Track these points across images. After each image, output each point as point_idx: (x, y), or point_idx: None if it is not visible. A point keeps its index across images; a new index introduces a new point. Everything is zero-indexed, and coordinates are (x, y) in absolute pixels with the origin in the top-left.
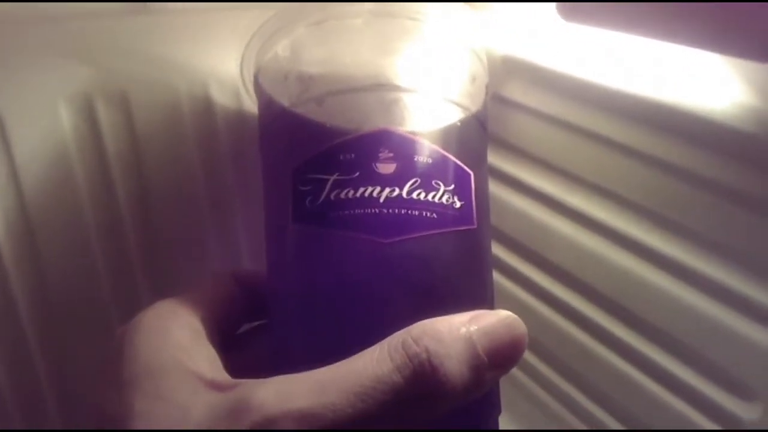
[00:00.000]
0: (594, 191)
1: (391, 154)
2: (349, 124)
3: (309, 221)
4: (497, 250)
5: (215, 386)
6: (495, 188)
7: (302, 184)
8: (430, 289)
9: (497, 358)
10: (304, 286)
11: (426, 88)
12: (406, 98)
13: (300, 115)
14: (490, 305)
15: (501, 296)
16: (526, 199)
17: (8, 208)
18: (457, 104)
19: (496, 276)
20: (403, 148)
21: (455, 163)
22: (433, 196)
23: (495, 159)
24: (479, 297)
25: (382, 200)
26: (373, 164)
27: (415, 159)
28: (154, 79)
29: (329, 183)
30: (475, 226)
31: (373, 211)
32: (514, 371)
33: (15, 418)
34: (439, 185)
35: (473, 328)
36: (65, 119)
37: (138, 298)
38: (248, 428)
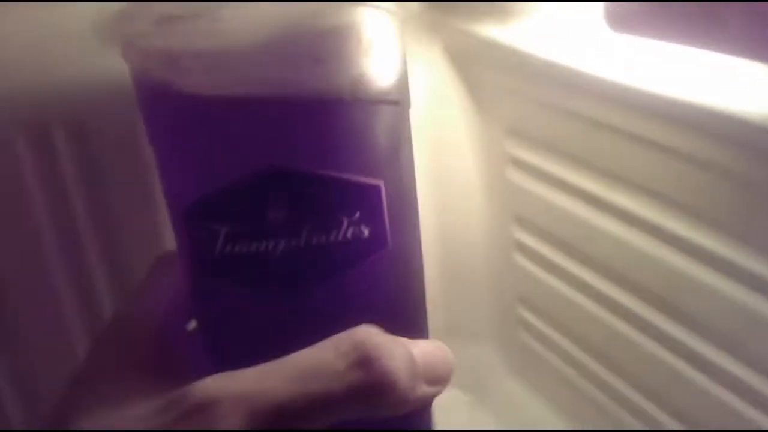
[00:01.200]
0: (637, 190)
1: (284, 195)
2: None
3: (207, 274)
4: (542, 246)
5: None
6: (539, 188)
7: (195, 229)
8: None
9: (431, 375)
10: (216, 337)
11: (321, 89)
12: (298, 110)
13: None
14: (424, 325)
15: (546, 293)
16: (570, 198)
17: None
18: (360, 97)
19: (542, 272)
20: (295, 185)
21: (358, 182)
22: (336, 235)
23: (539, 159)
24: (410, 319)
25: (279, 254)
26: (264, 213)
27: (311, 195)
28: None
29: (221, 235)
30: (390, 247)
31: (271, 268)
32: (563, 366)
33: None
34: (341, 219)
35: (411, 345)
36: None
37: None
38: (188, 409)
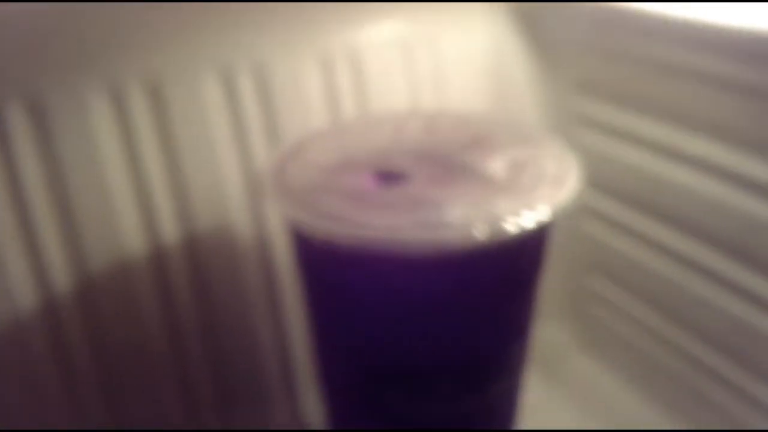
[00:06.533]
0: (713, 136)
1: (449, 375)
2: None
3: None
4: (615, 208)
5: None
6: (610, 145)
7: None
8: None
9: None
10: None
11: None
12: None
13: None
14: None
15: (620, 258)
16: (644, 152)
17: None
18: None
19: (615, 235)
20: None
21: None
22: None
23: (610, 114)
24: None
25: (438, 413)
26: (430, 384)
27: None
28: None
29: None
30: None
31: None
32: (638, 337)
33: None
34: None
35: None
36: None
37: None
38: None
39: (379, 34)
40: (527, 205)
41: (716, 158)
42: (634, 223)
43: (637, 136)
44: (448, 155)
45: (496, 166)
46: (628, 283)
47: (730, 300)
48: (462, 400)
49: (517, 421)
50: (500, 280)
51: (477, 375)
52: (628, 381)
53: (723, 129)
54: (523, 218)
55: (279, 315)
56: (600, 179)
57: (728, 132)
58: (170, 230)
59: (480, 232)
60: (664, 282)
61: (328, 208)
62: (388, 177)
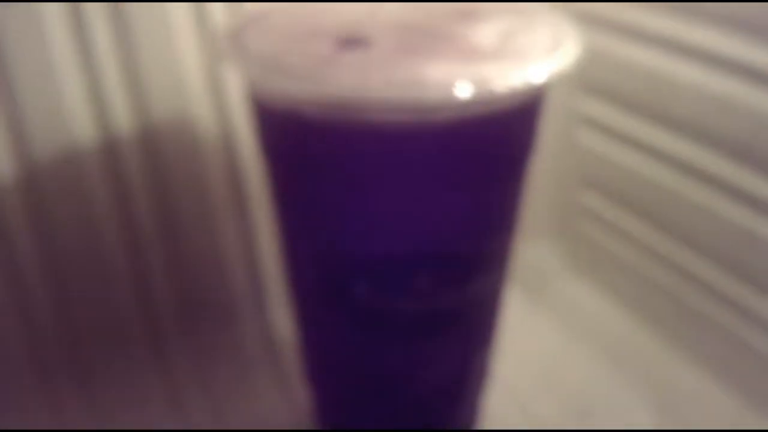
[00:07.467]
0: (720, 24)
1: (429, 269)
2: None
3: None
4: (613, 115)
5: None
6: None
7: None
8: None
9: None
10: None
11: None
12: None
13: None
14: None
15: (617, 170)
16: (641, 46)
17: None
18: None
19: (613, 145)
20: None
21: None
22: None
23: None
24: None
25: (412, 312)
26: (409, 280)
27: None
28: None
29: (358, 290)
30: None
31: (402, 321)
32: (632, 255)
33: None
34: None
35: None
36: None
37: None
38: None
39: None
40: (517, 67)
41: (728, 51)
42: (632, 130)
43: (640, 29)
44: (429, 26)
45: (484, 34)
46: (623, 197)
47: (732, 209)
48: (438, 296)
49: (498, 330)
50: (485, 155)
51: (455, 268)
52: (620, 302)
53: (738, 19)
54: (512, 79)
55: (245, 215)
56: (595, 82)
57: (742, 23)
58: (125, 123)
59: (463, 92)
60: (663, 192)
61: (287, 69)
62: (356, 43)
